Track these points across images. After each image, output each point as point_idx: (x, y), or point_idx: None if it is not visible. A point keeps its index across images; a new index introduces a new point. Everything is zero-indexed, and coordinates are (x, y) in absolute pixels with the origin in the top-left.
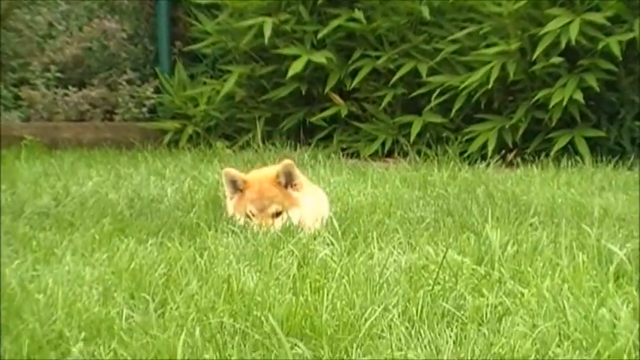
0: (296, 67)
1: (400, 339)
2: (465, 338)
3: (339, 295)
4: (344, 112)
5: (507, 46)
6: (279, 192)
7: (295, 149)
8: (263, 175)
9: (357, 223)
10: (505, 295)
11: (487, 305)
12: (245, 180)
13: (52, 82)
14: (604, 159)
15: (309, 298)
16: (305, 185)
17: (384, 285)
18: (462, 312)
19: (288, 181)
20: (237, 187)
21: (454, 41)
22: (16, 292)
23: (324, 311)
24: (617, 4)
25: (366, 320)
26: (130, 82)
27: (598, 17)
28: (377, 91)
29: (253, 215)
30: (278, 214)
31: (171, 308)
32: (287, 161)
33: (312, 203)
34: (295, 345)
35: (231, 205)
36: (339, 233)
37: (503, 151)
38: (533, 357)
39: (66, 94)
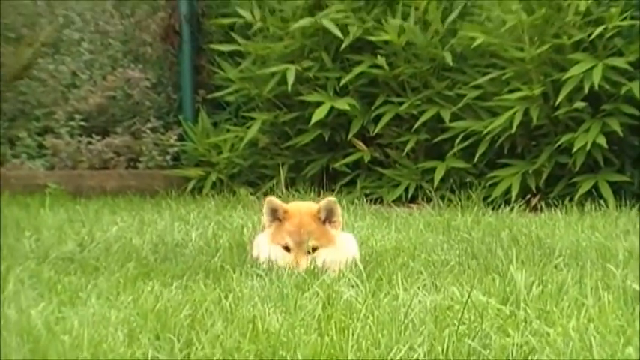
0: (319, 114)
1: None
2: None
3: (365, 334)
4: (367, 158)
5: (530, 91)
6: (317, 227)
7: (319, 195)
8: (304, 208)
9: (381, 266)
10: (531, 335)
11: (513, 344)
12: (286, 210)
13: (76, 131)
14: (628, 203)
15: (335, 338)
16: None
17: (410, 325)
18: (488, 351)
19: (328, 217)
20: (276, 216)
21: (477, 87)
22: (41, 334)
23: (349, 351)
24: None
25: (392, 359)
26: (153, 130)
27: (620, 62)
28: (400, 136)
29: (288, 249)
30: (314, 249)
31: (196, 348)
32: (331, 198)
33: (347, 244)
34: None
35: (266, 234)
36: (364, 275)
37: (528, 196)
38: None
39: (90, 143)
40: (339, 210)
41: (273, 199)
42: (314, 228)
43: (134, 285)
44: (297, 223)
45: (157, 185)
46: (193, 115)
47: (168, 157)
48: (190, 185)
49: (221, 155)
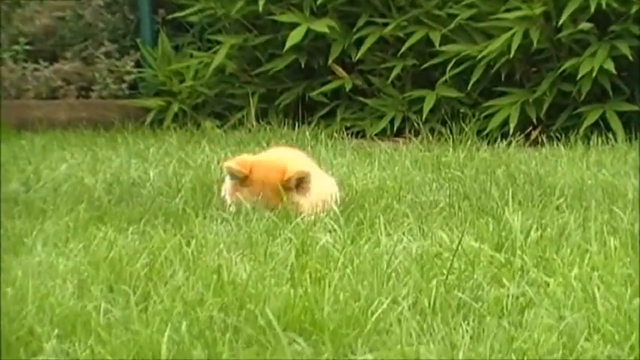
0: (294, 37)
1: (411, 334)
2: (484, 332)
3: (343, 286)
4: (348, 86)
5: (530, 10)
6: (280, 202)
7: (293, 128)
8: (271, 174)
9: (362, 209)
10: (528, 285)
11: (508, 296)
12: (246, 176)
13: (20, 56)
14: (639, 136)
15: (309, 290)
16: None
17: (393, 275)
18: (480, 304)
19: (297, 185)
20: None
21: (470, 5)
22: None
23: (325, 304)
24: None
25: (372, 313)
26: (107, 55)
27: None
28: (384, 62)
29: None
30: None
31: (154, 302)
32: (306, 171)
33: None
34: (294, 341)
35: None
36: (342, 219)
37: (527, 129)
38: (559, 352)
39: (36, 69)
40: (310, 179)
41: (232, 165)
42: (277, 202)
43: (85, 230)
44: (257, 192)
45: (112, 117)
46: (152, 38)
47: (124, 86)
48: (149, 117)
49: (184, 83)
